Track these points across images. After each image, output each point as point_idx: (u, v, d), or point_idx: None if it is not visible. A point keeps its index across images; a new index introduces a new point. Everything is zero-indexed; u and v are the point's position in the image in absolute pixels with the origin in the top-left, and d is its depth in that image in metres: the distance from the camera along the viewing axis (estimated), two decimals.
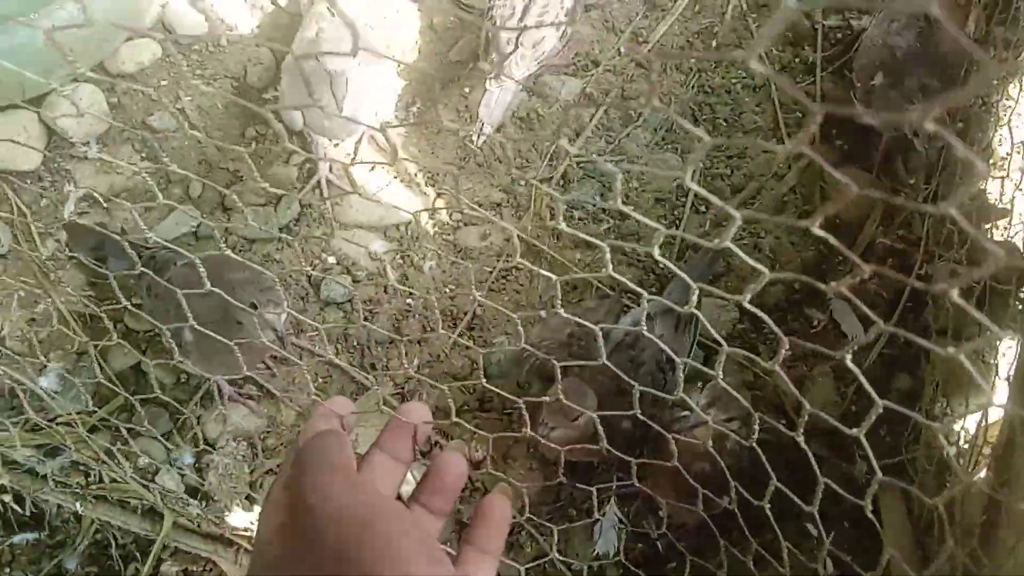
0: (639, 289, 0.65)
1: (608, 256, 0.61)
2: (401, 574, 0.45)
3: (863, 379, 0.54)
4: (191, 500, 1.46)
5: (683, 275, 0.63)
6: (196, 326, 0.82)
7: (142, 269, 0.92)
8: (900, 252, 1.57)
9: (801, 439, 0.69)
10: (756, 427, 0.78)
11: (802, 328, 1.55)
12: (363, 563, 0.45)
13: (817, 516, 0.72)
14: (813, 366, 1.52)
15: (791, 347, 0.59)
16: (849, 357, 0.52)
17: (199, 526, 1.48)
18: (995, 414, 1.22)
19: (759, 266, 0.53)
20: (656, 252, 0.55)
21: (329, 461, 0.53)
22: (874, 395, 0.53)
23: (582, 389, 1.19)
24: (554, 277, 0.64)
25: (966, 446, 1.32)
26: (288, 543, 0.50)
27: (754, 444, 0.84)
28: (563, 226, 0.62)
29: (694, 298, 0.61)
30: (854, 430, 0.57)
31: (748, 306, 0.54)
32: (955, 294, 0.39)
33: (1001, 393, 1.30)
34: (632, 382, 0.75)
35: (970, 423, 1.34)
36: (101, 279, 1.55)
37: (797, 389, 1.51)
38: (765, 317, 0.61)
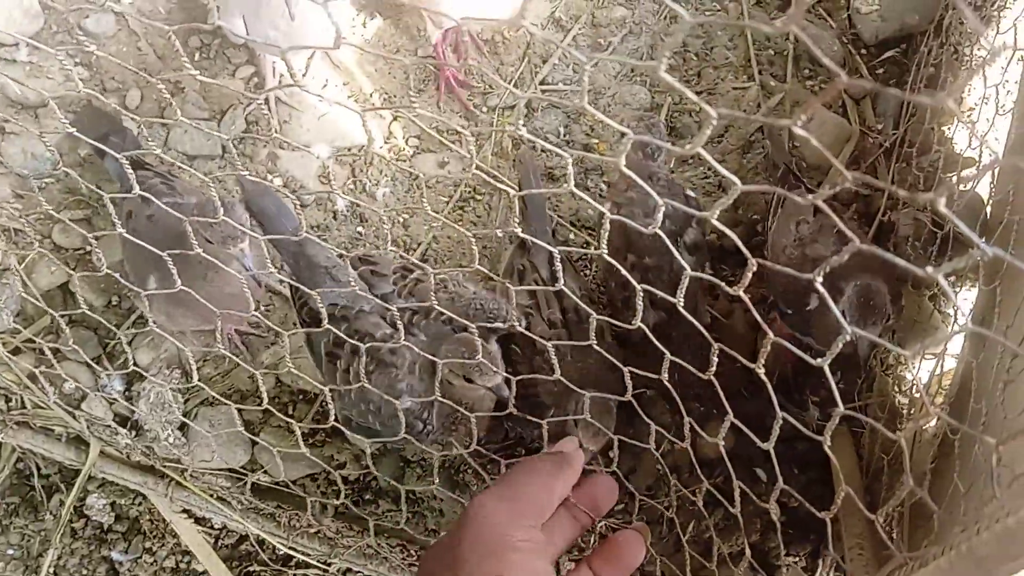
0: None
1: (571, 170, 0.58)
2: None
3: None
4: (120, 429, 1.38)
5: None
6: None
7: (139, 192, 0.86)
8: (865, 198, 1.54)
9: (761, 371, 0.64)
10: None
11: (762, 270, 1.51)
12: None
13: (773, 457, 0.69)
14: (771, 309, 1.49)
15: (749, 292, 0.56)
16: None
17: (128, 456, 1.40)
18: (947, 364, 1.21)
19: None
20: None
21: (507, 491, 0.55)
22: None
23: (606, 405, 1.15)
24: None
25: (918, 395, 1.31)
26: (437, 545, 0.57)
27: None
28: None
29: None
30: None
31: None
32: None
33: (955, 343, 1.29)
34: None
35: (923, 374, 1.33)
36: (29, 192, 1.44)
37: (754, 332, 1.50)
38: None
